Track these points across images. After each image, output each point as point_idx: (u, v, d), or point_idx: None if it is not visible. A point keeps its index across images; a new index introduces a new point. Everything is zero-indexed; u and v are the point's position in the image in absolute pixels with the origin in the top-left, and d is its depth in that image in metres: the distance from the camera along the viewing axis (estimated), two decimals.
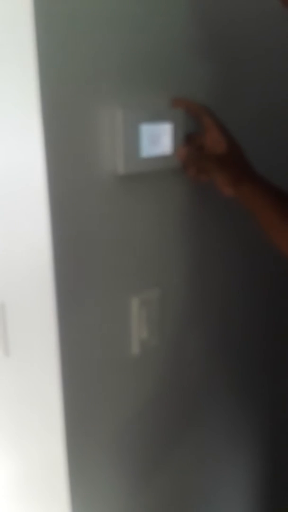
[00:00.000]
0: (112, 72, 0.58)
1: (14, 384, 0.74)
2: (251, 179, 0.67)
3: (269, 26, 0.77)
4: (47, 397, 0.65)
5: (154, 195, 0.68)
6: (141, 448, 0.79)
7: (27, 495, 0.83)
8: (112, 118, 0.59)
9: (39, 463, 0.74)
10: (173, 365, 0.81)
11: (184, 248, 0.76)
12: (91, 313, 0.64)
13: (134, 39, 0.59)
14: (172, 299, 0.77)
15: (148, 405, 0.77)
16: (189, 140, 0.68)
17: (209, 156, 0.66)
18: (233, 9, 0.71)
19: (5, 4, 0.54)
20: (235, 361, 0.98)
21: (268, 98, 0.81)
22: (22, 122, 0.56)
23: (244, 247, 0.91)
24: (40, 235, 0.58)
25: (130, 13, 0.58)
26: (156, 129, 0.62)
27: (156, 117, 0.62)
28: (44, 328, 0.62)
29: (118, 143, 0.60)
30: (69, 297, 0.60)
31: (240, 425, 1.07)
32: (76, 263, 0.60)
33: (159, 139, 0.63)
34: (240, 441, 1.09)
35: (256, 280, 0.98)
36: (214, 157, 0.66)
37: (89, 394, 0.66)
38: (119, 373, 0.70)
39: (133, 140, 0.60)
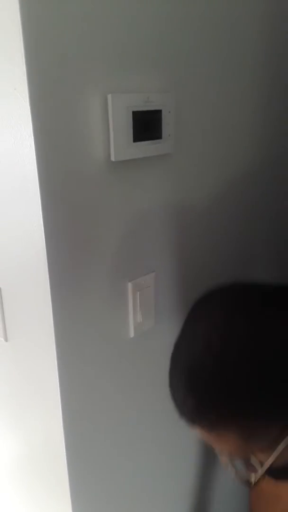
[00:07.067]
0: (103, 57, 0.57)
1: (14, 368, 0.75)
2: None
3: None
4: (46, 381, 0.66)
5: (147, 181, 0.68)
6: (139, 425, 0.81)
7: (28, 475, 0.86)
8: (103, 104, 0.58)
9: (39, 444, 0.76)
10: (168, 347, 0.82)
11: (176, 233, 0.77)
12: (86, 299, 0.64)
13: (126, 23, 0.58)
14: (165, 284, 0.77)
15: (145, 389, 0.79)
16: None
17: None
18: None
19: None
20: None
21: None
22: (9, 109, 0.55)
23: (237, 232, 0.91)
24: (33, 222, 0.58)
25: None
26: (148, 115, 0.61)
27: (147, 102, 0.61)
28: (41, 315, 0.62)
29: (109, 129, 0.59)
30: (64, 283, 0.61)
31: None
32: (70, 250, 0.61)
33: (150, 125, 0.62)
34: None
35: (245, 264, 0.99)
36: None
37: (86, 377, 0.68)
38: (116, 355, 0.72)
39: (124, 126, 0.60)
